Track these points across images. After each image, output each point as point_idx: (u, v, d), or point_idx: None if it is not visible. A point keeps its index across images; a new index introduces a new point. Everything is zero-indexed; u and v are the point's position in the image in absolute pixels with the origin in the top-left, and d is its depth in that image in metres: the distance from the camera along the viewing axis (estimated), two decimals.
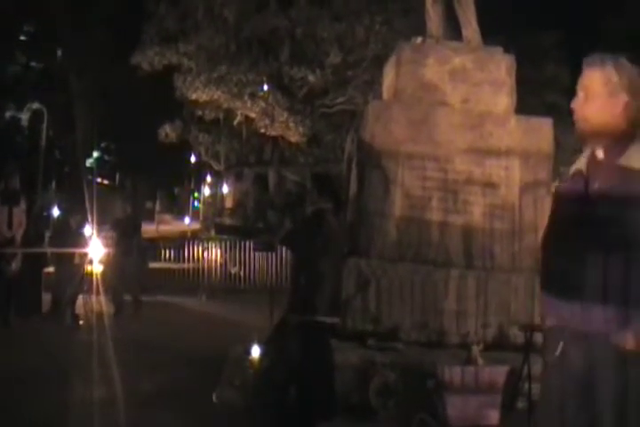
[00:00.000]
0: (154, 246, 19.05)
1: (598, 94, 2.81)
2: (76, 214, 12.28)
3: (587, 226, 2.74)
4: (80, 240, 11.51)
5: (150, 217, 47.69)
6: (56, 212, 18.88)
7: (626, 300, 2.64)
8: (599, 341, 2.68)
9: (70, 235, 11.60)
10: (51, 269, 12.18)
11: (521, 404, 6.01)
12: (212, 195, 48.91)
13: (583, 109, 2.86)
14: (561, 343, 2.79)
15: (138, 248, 13.15)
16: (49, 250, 11.60)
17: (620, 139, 2.80)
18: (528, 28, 26.83)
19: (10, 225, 9.90)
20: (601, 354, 2.69)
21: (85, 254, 11.56)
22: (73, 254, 11.37)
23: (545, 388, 2.93)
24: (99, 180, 39.86)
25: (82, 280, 11.63)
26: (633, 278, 2.64)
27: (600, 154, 2.85)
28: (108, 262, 12.33)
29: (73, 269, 11.50)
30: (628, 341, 2.62)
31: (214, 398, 6.43)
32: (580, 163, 2.94)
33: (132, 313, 12.26)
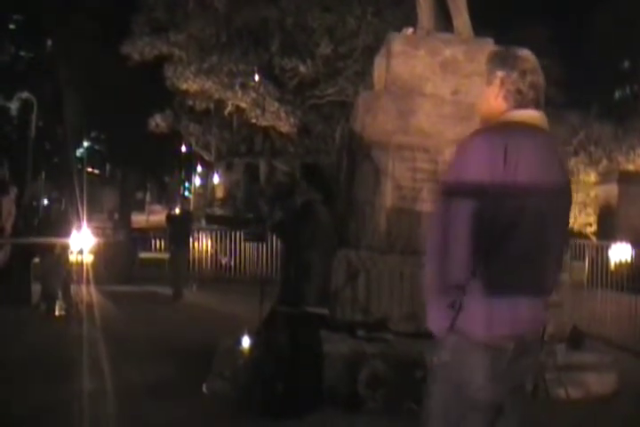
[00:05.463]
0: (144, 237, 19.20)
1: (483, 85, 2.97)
2: (63, 204, 12.22)
3: None
4: (67, 230, 11.39)
5: (141, 207, 47.62)
6: (45, 202, 18.83)
7: None
8: None
9: (57, 225, 11.50)
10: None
11: None
12: (203, 185, 48.77)
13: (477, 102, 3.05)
14: None
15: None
16: (34, 240, 11.51)
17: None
18: (519, 22, 26.89)
19: None
20: None
21: (68, 244, 11.40)
22: (55, 245, 11.24)
23: None
24: (89, 169, 39.69)
25: (66, 270, 11.50)
26: None
27: None
28: (99, 252, 12.25)
29: (57, 260, 11.39)
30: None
31: (204, 389, 6.44)
32: None
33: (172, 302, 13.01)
